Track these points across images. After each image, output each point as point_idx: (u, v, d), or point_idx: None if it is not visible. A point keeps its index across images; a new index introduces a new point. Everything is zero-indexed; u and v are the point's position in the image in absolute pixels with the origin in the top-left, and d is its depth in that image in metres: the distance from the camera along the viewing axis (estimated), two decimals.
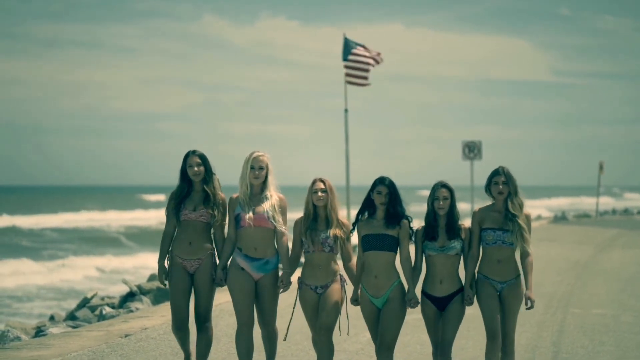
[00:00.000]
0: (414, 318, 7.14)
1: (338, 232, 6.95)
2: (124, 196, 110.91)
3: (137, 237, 44.37)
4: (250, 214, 7.05)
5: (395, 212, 6.77)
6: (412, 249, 6.83)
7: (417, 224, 6.90)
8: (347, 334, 7.51)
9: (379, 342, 6.78)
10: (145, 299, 13.69)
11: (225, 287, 7.23)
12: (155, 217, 56.40)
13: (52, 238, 45.18)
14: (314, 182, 7.02)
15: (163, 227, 7.33)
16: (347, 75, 21.46)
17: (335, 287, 6.96)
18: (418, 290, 6.81)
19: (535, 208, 65.97)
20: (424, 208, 6.90)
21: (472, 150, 29.45)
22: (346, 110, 22.37)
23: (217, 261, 7.24)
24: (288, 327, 7.24)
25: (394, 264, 6.78)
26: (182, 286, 7.18)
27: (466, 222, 6.96)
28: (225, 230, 7.25)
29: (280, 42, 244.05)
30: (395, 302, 6.74)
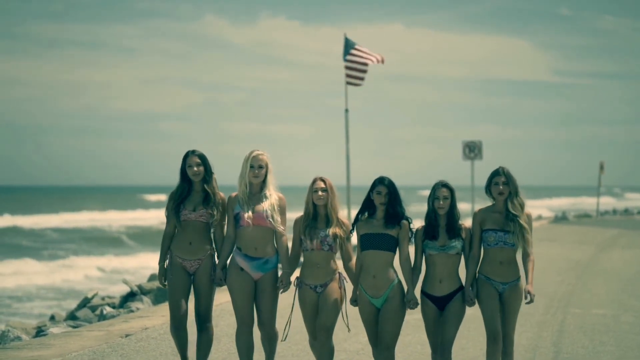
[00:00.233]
0: (415, 318, 7.14)
1: (337, 231, 6.94)
2: (125, 196, 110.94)
3: (137, 237, 44.38)
4: (250, 213, 7.04)
5: (395, 212, 6.76)
6: (411, 250, 6.82)
7: (418, 223, 6.90)
8: (349, 331, 7.47)
9: (379, 342, 6.77)
10: (146, 299, 13.68)
11: (225, 287, 7.22)
12: (156, 217, 56.40)
13: (53, 238, 45.20)
14: (314, 181, 7.01)
15: (164, 227, 7.32)
16: (346, 75, 21.51)
17: (335, 286, 6.95)
18: (417, 291, 6.81)
19: (536, 208, 65.95)
20: (424, 208, 6.90)
21: (472, 150, 29.42)
22: (347, 110, 22.36)
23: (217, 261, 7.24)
24: (286, 326, 7.22)
25: (392, 264, 6.77)
26: (181, 286, 7.17)
27: (467, 222, 6.96)
28: (225, 230, 7.25)
29: (281, 42, 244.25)
30: (395, 302, 6.72)
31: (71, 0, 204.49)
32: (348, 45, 21.42)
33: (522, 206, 6.84)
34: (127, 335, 9.27)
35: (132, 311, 12.44)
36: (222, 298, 9.58)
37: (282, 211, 7.14)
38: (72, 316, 13.66)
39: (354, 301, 6.92)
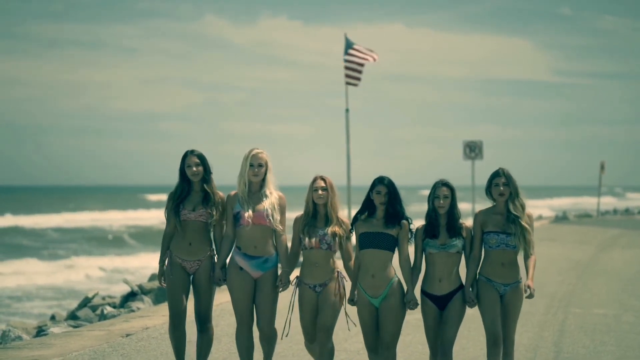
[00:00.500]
0: (415, 318, 7.13)
1: (337, 229, 6.91)
2: (125, 196, 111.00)
3: (138, 237, 44.39)
4: (250, 212, 7.03)
5: (395, 211, 6.75)
6: (410, 250, 6.81)
7: (418, 223, 6.88)
8: (349, 329, 7.44)
9: (380, 342, 6.76)
10: (147, 298, 13.69)
11: (225, 287, 7.21)
12: (157, 217, 56.39)
13: (54, 238, 45.22)
14: (314, 180, 7.00)
15: (164, 227, 7.30)
16: (345, 75, 21.59)
17: (334, 286, 6.92)
18: (417, 291, 6.80)
19: (537, 208, 65.96)
20: (424, 208, 6.89)
21: (473, 150, 29.42)
22: (347, 110, 22.37)
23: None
24: (285, 324, 7.17)
25: (391, 263, 6.75)
26: (181, 285, 7.14)
27: (467, 221, 6.95)
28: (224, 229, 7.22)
29: (281, 42, 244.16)
30: (394, 299, 6.71)
31: (71, 0, 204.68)
32: (347, 46, 21.47)
33: (523, 207, 6.82)
34: (127, 335, 9.27)
35: (132, 311, 12.44)
36: (222, 298, 9.58)
37: (282, 210, 7.13)
38: (72, 316, 13.66)
39: (351, 300, 6.91)
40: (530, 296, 6.71)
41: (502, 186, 6.81)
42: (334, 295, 6.91)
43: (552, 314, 11.31)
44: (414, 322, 8.52)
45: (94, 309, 13.62)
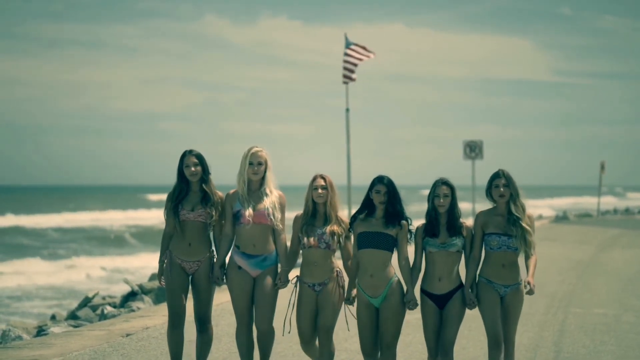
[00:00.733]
0: (415, 318, 7.13)
1: (335, 228, 6.89)
2: (125, 196, 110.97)
3: (138, 237, 44.38)
4: (250, 210, 7.02)
5: (395, 211, 6.74)
6: (410, 249, 6.80)
7: (418, 223, 6.87)
8: (348, 330, 7.42)
9: (380, 342, 6.75)
10: (147, 298, 13.69)
11: (225, 287, 7.21)
12: (157, 217, 56.27)
13: (54, 237, 45.21)
14: (314, 179, 6.98)
15: (164, 227, 7.30)
16: (343, 75, 21.71)
17: (333, 286, 6.90)
18: (417, 291, 6.79)
19: (537, 208, 65.92)
20: (425, 208, 6.88)
21: (473, 149, 29.42)
22: (347, 110, 22.38)
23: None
24: (285, 320, 7.13)
25: (390, 263, 6.74)
26: (180, 285, 7.13)
27: (468, 221, 6.94)
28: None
29: (281, 42, 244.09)
30: (394, 300, 6.70)
31: (71, 0, 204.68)
32: (346, 46, 21.58)
33: (524, 208, 6.81)
34: (128, 335, 9.27)
35: (133, 311, 12.44)
36: (222, 298, 9.58)
37: (282, 209, 7.12)
38: (73, 316, 13.67)
39: (347, 299, 6.90)
40: (531, 292, 6.68)
41: (502, 187, 6.80)
42: (334, 295, 6.90)
43: (552, 313, 11.31)
44: (414, 322, 8.52)
45: (94, 308, 13.63)
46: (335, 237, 6.90)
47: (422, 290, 6.80)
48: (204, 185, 7.15)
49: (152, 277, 16.21)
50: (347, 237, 6.96)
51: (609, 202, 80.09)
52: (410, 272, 6.76)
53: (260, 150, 7.10)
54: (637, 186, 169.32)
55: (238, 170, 7.11)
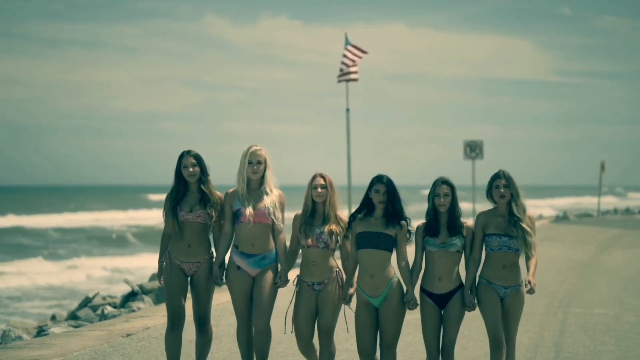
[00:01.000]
0: (416, 318, 7.12)
1: (334, 227, 6.87)
2: (126, 196, 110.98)
3: (139, 237, 44.39)
4: (251, 209, 7.01)
5: (394, 210, 6.73)
6: (410, 249, 6.79)
7: (418, 223, 6.87)
8: (347, 331, 7.41)
9: (381, 342, 6.75)
10: (147, 298, 13.69)
11: (225, 287, 7.20)
12: (158, 217, 55.92)
13: (55, 238, 45.23)
14: (314, 178, 6.97)
15: (163, 227, 7.29)
16: (339, 75, 21.84)
17: (334, 286, 6.89)
18: (417, 290, 6.79)
19: (538, 208, 65.96)
20: (425, 207, 6.87)
21: (473, 149, 29.42)
22: (347, 110, 22.40)
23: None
24: (285, 318, 7.12)
25: (389, 263, 6.73)
26: (179, 286, 7.10)
27: (468, 221, 6.94)
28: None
29: (281, 42, 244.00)
30: (394, 300, 6.69)
31: (71, 0, 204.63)
32: (345, 46, 21.68)
33: (524, 209, 6.80)
34: (128, 335, 9.27)
35: (133, 311, 12.44)
36: (222, 298, 9.58)
37: (282, 208, 7.11)
38: (73, 316, 13.67)
39: (344, 298, 6.89)
40: (531, 291, 6.66)
41: (502, 188, 6.79)
42: (334, 296, 6.88)
43: (553, 313, 11.32)
44: (414, 322, 8.51)
45: (94, 308, 13.63)
46: (334, 236, 6.88)
47: (422, 290, 6.79)
48: (202, 186, 7.12)
49: (153, 277, 16.22)
50: (346, 237, 6.94)
51: (609, 202, 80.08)
52: (410, 272, 6.75)
53: (259, 149, 7.08)
54: (638, 186, 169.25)
55: (237, 169, 7.10)
